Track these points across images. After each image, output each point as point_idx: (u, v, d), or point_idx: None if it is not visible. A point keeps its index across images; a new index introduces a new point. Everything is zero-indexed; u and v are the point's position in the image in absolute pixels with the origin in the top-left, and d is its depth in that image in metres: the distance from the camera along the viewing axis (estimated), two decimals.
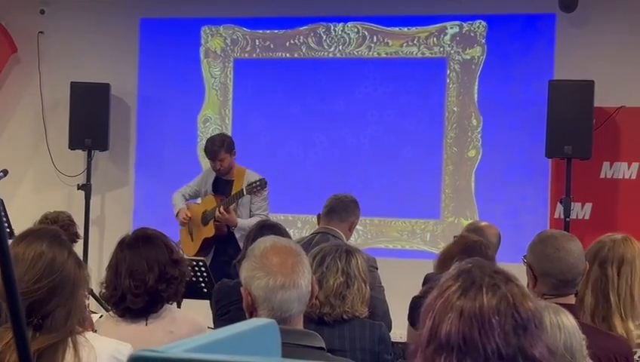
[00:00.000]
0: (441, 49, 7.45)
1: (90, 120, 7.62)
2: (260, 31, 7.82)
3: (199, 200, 6.53)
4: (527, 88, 7.18)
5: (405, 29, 7.51)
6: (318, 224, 5.14)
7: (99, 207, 8.05)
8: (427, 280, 4.47)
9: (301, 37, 7.72)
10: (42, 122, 8.18)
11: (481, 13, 7.34)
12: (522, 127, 7.19)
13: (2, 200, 6.03)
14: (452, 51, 7.42)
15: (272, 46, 7.79)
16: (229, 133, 7.28)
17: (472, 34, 7.38)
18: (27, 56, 8.22)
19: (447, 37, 7.43)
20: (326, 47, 7.67)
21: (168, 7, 7.95)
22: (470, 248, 3.74)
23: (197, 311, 3.72)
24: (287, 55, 7.75)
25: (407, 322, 4.01)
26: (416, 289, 4.29)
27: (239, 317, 2.20)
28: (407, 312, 4.00)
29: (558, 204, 6.85)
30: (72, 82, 7.68)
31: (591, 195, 6.93)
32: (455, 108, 7.39)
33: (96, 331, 2.85)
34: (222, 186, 6.36)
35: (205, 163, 7.64)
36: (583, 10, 6.97)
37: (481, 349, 1.61)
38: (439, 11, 7.41)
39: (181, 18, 7.94)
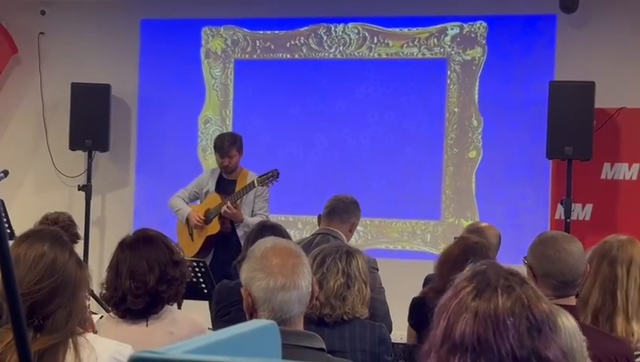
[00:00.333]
0: (442, 50, 7.45)
1: (90, 121, 7.62)
2: (261, 32, 7.82)
3: (198, 203, 6.51)
4: (528, 89, 7.18)
5: (406, 30, 7.51)
6: (319, 225, 5.13)
7: (99, 207, 8.05)
8: (427, 281, 4.48)
9: (302, 38, 7.72)
10: (43, 123, 8.18)
11: (482, 14, 7.34)
12: (523, 128, 7.19)
13: (3, 201, 6.03)
14: (452, 52, 7.42)
15: (272, 47, 7.79)
16: None
17: (473, 35, 7.39)
18: (28, 56, 8.22)
19: (448, 38, 7.43)
20: (326, 47, 7.66)
21: (169, 7, 7.95)
22: (471, 249, 3.74)
23: (197, 312, 3.71)
24: (288, 56, 7.75)
25: (407, 323, 4.02)
26: (417, 290, 4.30)
27: (240, 318, 2.20)
28: (408, 313, 4.01)
29: (559, 204, 6.84)
30: (72, 83, 7.68)
31: (591, 196, 6.92)
32: (455, 109, 7.39)
33: (96, 332, 2.85)
34: (225, 186, 6.34)
35: (206, 164, 7.66)
36: (584, 11, 6.97)
37: (495, 350, 1.62)
38: (440, 12, 7.41)
39: (182, 19, 7.94)
